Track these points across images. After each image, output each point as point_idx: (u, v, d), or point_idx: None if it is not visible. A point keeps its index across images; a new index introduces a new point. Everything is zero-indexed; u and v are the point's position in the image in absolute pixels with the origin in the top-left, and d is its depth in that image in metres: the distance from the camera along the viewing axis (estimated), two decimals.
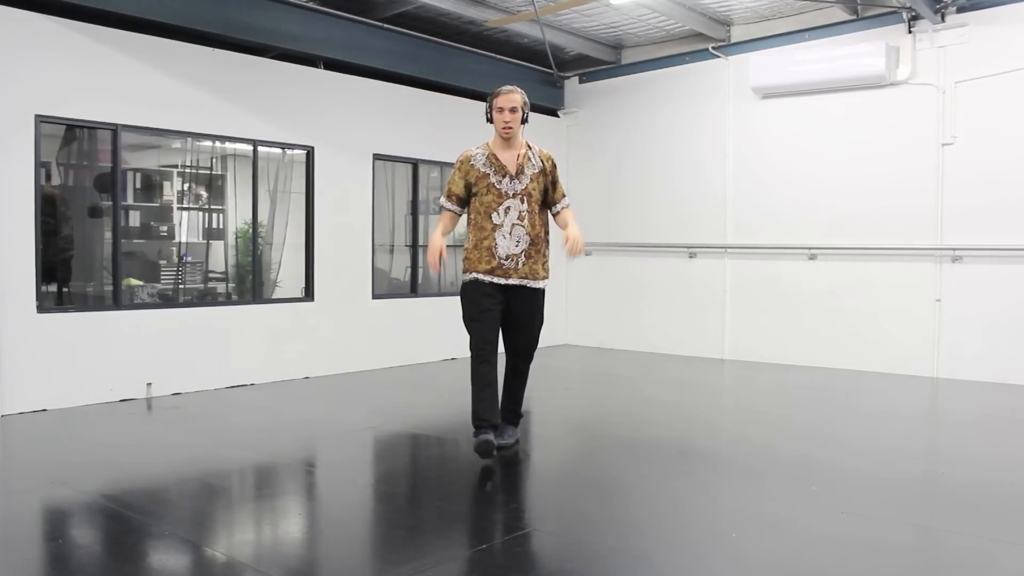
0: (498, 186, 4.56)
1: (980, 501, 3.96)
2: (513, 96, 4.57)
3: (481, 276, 4.56)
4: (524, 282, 4.60)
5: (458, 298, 4.69)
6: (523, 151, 4.66)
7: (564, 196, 4.81)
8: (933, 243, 7.62)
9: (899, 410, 6.33)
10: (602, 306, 10.07)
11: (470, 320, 4.59)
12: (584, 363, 8.87)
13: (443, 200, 4.71)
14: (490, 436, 4.45)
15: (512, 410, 4.87)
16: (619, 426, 5.74)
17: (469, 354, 4.54)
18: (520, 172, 4.60)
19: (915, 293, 7.72)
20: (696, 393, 7.17)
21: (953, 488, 4.28)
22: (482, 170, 4.59)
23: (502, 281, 4.55)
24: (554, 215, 4.84)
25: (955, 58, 7.49)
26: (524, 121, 4.65)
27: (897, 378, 7.60)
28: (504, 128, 4.56)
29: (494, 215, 4.56)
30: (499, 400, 4.64)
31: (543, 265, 4.69)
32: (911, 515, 3.78)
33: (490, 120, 4.66)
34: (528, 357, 4.80)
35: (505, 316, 4.64)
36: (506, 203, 4.56)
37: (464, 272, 4.66)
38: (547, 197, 4.75)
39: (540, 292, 4.69)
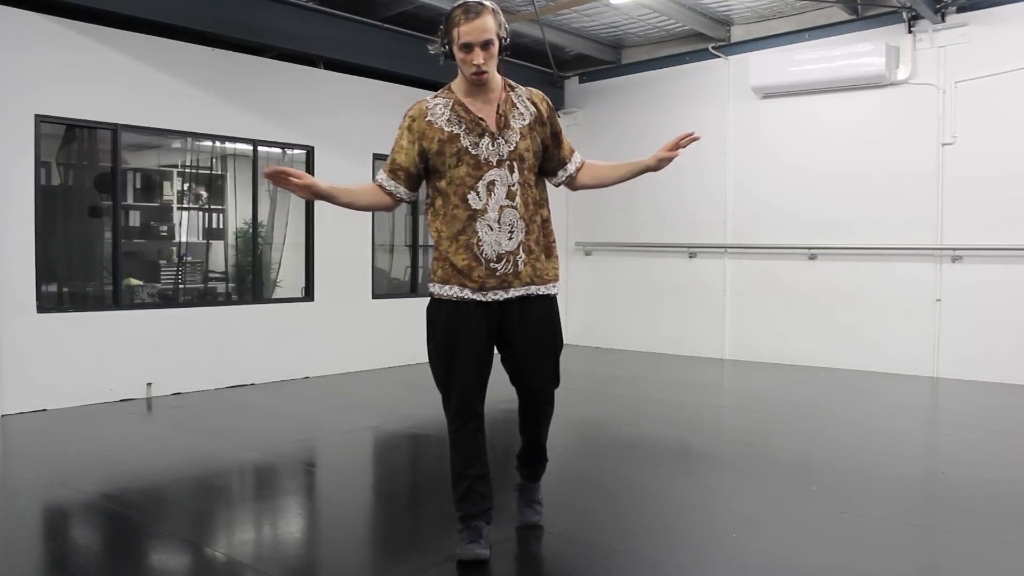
0: (474, 151, 2.98)
1: (980, 501, 3.96)
2: (484, 21, 2.90)
3: (462, 293, 3.00)
4: (529, 290, 3.07)
5: None
6: (503, 94, 3.08)
7: (573, 150, 3.29)
8: (933, 243, 7.62)
9: (899, 410, 6.33)
10: (602, 306, 10.06)
11: (443, 366, 3.05)
12: (584, 363, 8.87)
13: (380, 175, 3.09)
14: (481, 544, 3.05)
15: (534, 455, 3.38)
16: (619, 426, 5.74)
17: (445, 417, 3.17)
18: (505, 126, 3.03)
19: (915, 293, 7.72)
20: (696, 393, 7.17)
21: (953, 488, 4.28)
22: (448, 129, 2.99)
23: (498, 296, 3.02)
24: (568, 183, 3.30)
25: (955, 58, 7.49)
26: (503, 51, 3.02)
27: (897, 378, 7.60)
28: (476, 75, 2.96)
29: (471, 196, 2.98)
30: (489, 477, 3.15)
31: (551, 260, 3.16)
32: (911, 515, 3.78)
33: (448, 57, 3.03)
34: (550, 398, 3.26)
35: (504, 348, 3.13)
36: (489, 175, 2.98)
37: (432, 284, 3.09)
38: (546, 160, 3.19)
39: (552, 301, 3.17)
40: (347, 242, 8.01)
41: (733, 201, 8.96)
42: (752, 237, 8.81)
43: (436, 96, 3.09)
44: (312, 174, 7.65)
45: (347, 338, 7.95)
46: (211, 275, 7.92)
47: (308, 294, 7.75)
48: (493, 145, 3.00)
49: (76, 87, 6.13)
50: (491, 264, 2.99)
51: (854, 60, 7.85)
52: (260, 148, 7.38)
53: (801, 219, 8.41)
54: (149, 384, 6.53)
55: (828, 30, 8.23)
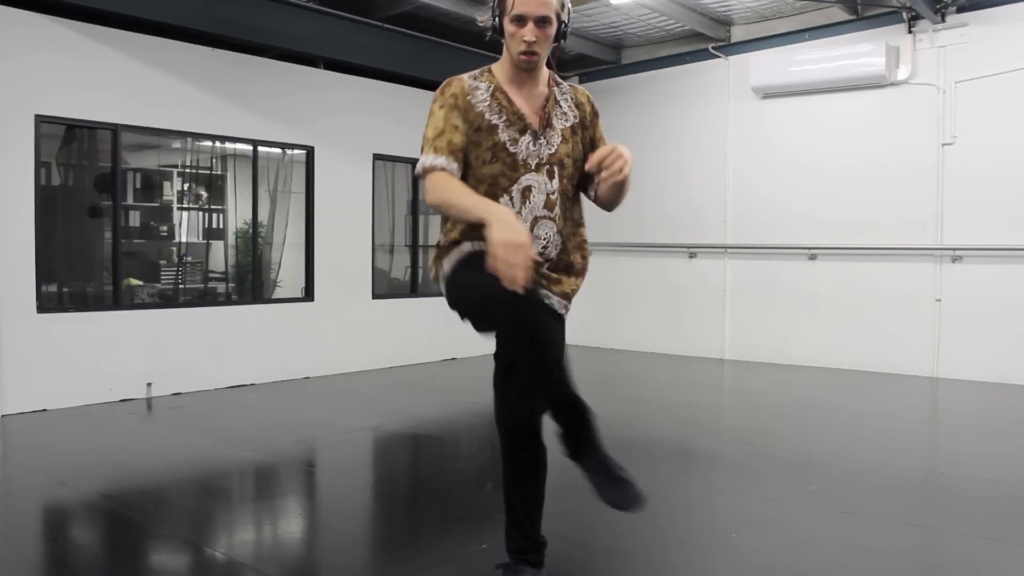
0: (512, 148, 2.55)
1: (980, 501, 3.96)
2: None
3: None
4: (552, 305, 2.66)
5: None
6: (548, 90, 2.67)
7: None
8: (933, 243, 7.62)
9: (899, 410, 6.33)
10: (602, 306, 10.06)
11: (486, 276, 2.20)
12: (584, 363, 8.87)
13: (435, 158, 2.46)
14: None
15: (585, 436, 2.60)
16: (619, 426, 5.73)
17: (493, 404, 2.73)
18: (548, 125, 2.62)
19: (915, 293, 7.71)
20: (696, 393, 7.17)
21: (953, 488, 4.28)
22: (488, 117, 2.55)
23: None
24: (595, 198, 2.80)
25: (955, 58, 7.49)
26: (561, 39, 2.60)
27: (897, 378, 7.60)
28: (525, 55, 2.53)
29: (503, 199, 2.54)
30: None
31: (579, 280, 2.82)
32: (911, 515, 3.78)
33: (496, 32, 2.59)
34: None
35: None
36: (525, 179, 2.57)
37: (444, 259, 2.68)
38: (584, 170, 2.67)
39: (563, 322, 2.77)
40: (347, 242, 8.01)
41: (733, 201, 8.96)
42: (752, 237, 8.81)
43: (475, 77, 2.59)
44: (312, 174, 7.70)
45: (347, 338, 7.95)
46: (211, 275, 7.92)
47: (308, 294, 7.75)
48: (534, 145, 2.58)
49: (76, 87, 6.13)
50: None
51: (854, 60, 7.85)
52: (260, 148, 7.38)
53: (801, 219, 8.41)
54: (149, 384, 6.52)
55: (828, 30, 8.23)
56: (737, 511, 3.79)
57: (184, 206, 8.26)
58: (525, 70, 2.58)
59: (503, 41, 2.57)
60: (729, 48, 8.99)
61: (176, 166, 8.09)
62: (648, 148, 9.61)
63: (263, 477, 4.60)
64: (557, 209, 2.64)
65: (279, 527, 3.73)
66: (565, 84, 2.75)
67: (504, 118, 2.56)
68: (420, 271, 8.85)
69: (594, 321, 10.08)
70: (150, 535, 3.53)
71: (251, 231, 7.40)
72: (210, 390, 6.84)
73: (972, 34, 7.39)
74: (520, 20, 2.48)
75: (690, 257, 9.30)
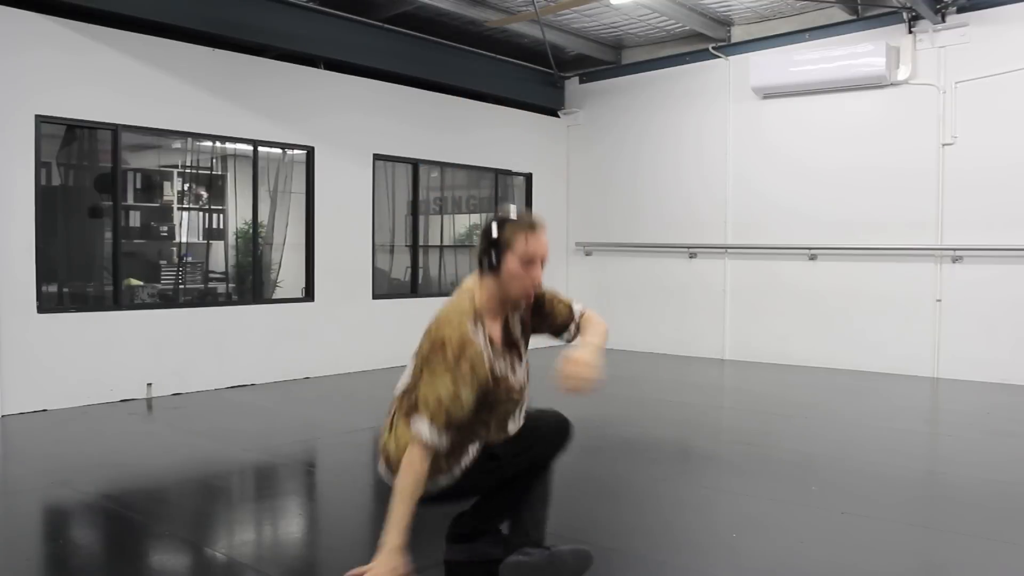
0: (511, 380, 2.76)
1: (980, 501, 3.96)
2: (544, 236, 2.71)
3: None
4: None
5: None
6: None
7: (571, 302, 2.96)
8: (933, 243, 7.62)
9: (899, 411, 6.33)
10: (602, 306, 9.99)
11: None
12: None
13: (437, 435, 2.57)
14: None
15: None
16: (619, 426, 5.74)
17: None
18: (519, 346, 2.84)
19: (915, 293, 7.71)
20: (696, 393, 7.17)
21: (953, 488, 4.28)
22: (499, 369, 2.72)
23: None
24: (571, 339, 2.94)
25: (955, 58, 7.48)
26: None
27: (897, 378, 7.60)
28: (527, 293, 2.73)
29: (511, 424, 2.81)
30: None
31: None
32: (911, 515, 3.78)
33: (493, 267, 2.67)
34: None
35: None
36: (518, 400, 2.84)
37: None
38: (547, 329, 2.94)
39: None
40: (347, 242, 8.01)
41: (733, 201, 8.96)
42: (752, 237, 8.81)
43: (474, 323, 2.64)
44: (312, 174, 7.69)
45: (347, 338, 7.95)
46: (211, 275, 7.91)
47: (308, 294, 7.75)
48: (520, 368, 2.80)
49: (76, 87, 6.13)
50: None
51: (854, 60, 7.85)
52: (260, 148, 7.38)
53: (801, 219, 8.41)
54: (149, 384, 6.52)
55: (828, 30, 8.23)
56: (737, 511, 3.79)
57: (184, 206, 8.26)
58: (519, 303, 2.75)
59: (495, 276, 2.66)
60: (729, 48, 8.99)
61: (176, 166, 8.09)
62: (648, 148, 9.62)
63: (263, 477, 4.60)
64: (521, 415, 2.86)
65: (279, 527, 3.74)
66: None
67: (496, 353, 2.70)
68: (420, 271, 8.85)
69: None
70: (150, 535, 3.53)
71: (251, 231, 7.40)
72: (210, 390, 6.84)
73: (972, 34, 7.39)
74: (531, 262, 2.63)
75: (690, 257, 9.30)
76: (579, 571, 2.89)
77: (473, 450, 2.72)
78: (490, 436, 2.74)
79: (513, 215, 2.70)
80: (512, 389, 2.74)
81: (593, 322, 2.90)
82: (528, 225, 2.66)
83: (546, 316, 2.89)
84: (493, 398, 2.67)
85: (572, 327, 2.91)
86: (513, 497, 2.90)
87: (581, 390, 2.56)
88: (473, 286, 2.73)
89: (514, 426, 2.78)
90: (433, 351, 2.59)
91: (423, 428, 2.54)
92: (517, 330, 2.81)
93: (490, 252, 2.65)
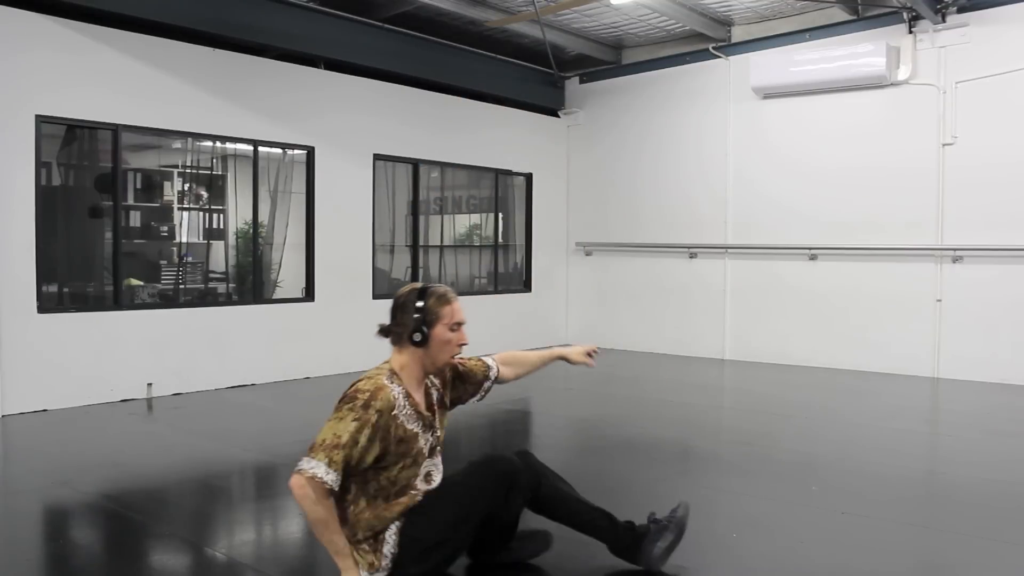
0: (424, 446, 2.81)
1: (980, 501, 3.96)
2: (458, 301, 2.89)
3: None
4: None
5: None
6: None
7: (482, 360, 3.12)
8: (933, 243, 7.62)
9: (899, 410, 6.33)
10: (602, 306, 10.07)
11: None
12: None
13: (326, 471, 2.57)
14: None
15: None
16: (619, 426, 5.74)
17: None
18: (434, 410, 2.90)
19: (915, 293, 7.71)
20: (696, 393, 7.17)
21: (953, 488, 4.28)
22: (410, 427, 2.75)
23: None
24: (496, 381, 3.11)
25: (955, 58, 7.48)
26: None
27: (897, 378, 7.59)
28: (453, 355, 2.91)
29: (414, 488, 2.79)
30: None
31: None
32: (911, 515, 3.78)
33: (420, 341, 2.80)
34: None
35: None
36: (426, 467, 2.84)
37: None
38: (465, 393, 3.06)
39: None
40: (347, 242, 8.01)
41: (734, 201, 8.96)
42: (753, 237, 8.81)
43: (391, 380, 2.77)
44: (312, 174, 7.70)
45: (347, 338, 7.93)
46: (211, 275, 7.92)
47: (309, 294, 7.75)
48: (432, 436, 2.85)
49: (76, 87, 6.13)
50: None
51: (855, 60, 7.85)
52: (260, 148, 7.38)
53: (802, 219, 8.41)
54: (150, 384, 6.53)
55: (828, 30, 8.23)
56: (737, 511, 3.79)
57: (184, 206, 8.26)
58: (443, 367, 2.92)
59: (423, 348, 2.80)
60: (729, 48, 8.99)
61: (176, 166, 8.09)
62: (648, 148, 9.62)
63: (263, 477, 4.60)
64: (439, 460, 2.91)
65: (279, 527, 3.74)
66: None
67: (421, 424, 2.79)
68: (420, 271, 8.85)
69: (595, 321, 10.08)
70: (150, 535, 3.53)
71: (251, 231, 7.40)
72: (210, 390, 6.84)
73: (972, 34, 7.39)
74: (459, 325, 2.83)
75: (690, 257, 9.30)
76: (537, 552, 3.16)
77: (397, 504, 2.73)
78: (392, 499, 2.73)
79: (426, 286, 2.91)
80: (420, 453, 2.78)
81: (515, 352, 3.24)
82: (443, 293, 2.86)
83: (465, 375, 3.04)
84: (396, 460, 2.70)
85: (495, 367, 3.09)
86: (509, 536, 3.07)
87: (592, 360, 3.17)
88: (391, 363, 2.88)
89: (421, 486, 2.79)
90: (343, 401, 2.72)
91: (316, 468, 2.56)
92: (434, 399, 2.91)
93: (420, 326, 2.79)
